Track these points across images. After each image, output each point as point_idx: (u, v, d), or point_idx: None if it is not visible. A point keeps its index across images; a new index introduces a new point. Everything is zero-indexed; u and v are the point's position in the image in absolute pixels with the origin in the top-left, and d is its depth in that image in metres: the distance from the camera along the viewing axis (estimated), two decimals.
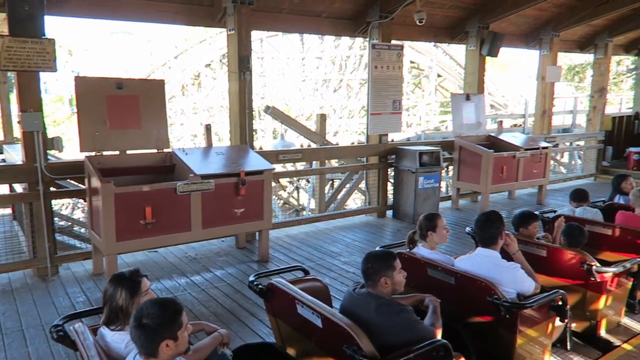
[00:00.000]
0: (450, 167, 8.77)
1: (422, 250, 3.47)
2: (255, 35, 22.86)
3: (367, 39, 7.17)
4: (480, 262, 3.21)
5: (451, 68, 25.14)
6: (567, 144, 11.83)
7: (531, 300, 2.94)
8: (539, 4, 7.79)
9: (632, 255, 4.01)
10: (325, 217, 7.57)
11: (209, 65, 24.83)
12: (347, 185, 11.80)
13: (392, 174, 7.70)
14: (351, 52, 25.02)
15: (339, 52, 25.27)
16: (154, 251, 5.86)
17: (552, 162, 13.54)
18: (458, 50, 23.48)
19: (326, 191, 12.60)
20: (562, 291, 3.08)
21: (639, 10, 9.59)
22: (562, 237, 3.93)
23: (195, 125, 23.19)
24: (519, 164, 8.03)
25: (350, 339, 2.26)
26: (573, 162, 14.59)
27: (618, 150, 12.01)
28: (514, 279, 3.09)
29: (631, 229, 4.39)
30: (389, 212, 7.77)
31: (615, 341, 3.80)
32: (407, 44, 22.19)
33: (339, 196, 11.90)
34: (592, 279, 3.55)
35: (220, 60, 23.52)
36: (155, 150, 5.33)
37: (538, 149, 8.28)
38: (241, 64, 5.81)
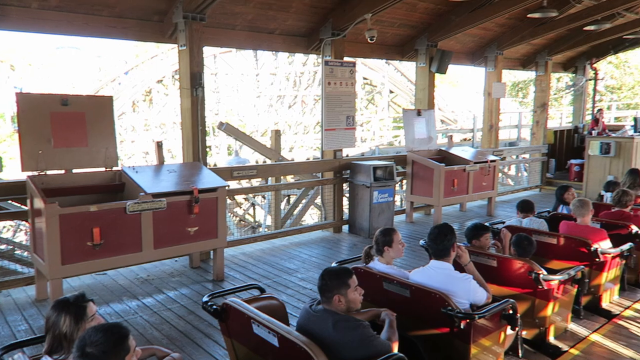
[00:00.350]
0: (404, 181, 8.94)
1: (378, 265, 3.48)
2: (209, 51, 22.69)
3: (320, 56, 7.26)
4: (434, 274, 3.26)
5: (403, 84, 25.82)
6: (514, 157, 12.32)
7: (484, 310, 3.01)
8: (483, 23, 8.15)
9: (575, 263, 4.21)
10: (281, 233, 7.52)
11: (161, 81, 24.42)
12: (303, 201, 11.80)
13: (348, 188, 7.77)
14: (305, 68, 25.27)
15: (293, 68, 25.47)
16: (103, 274, 5.62)
17: (500, 174, 14.08)
18: (409, 67, 24.17)
19: (282, 207, 12.55)
20: (512, 300, 3.17)
21: (574, 30, 10.21)
22: (513, 248, 4.06)
23: (147, 143, 22.67)
24: (469, 177, 8.29)
25: (307, 358, 2.24)
26: (520, 175, 15.21)
27: (560, 162, 12.63)
28: (467, 290, 3.16)
29: (574, 238, 4.59)
30: (345, 227, 7.80)
31: (564, 346, 3.93)
32: (359, 60, 22.67)
33: (295, 212, 11.88)
34: (540, 287, 3.68)
35: (173, 76, 23.22)
36: (104, 169, 5.15)
37: (486, 162, 8.58)
38: (193, 80, 5.74)
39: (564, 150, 12.87)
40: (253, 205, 17.93)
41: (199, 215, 5.14)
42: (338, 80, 7.19)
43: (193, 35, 5.65)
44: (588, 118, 13.34)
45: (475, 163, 8.37)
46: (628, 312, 4.64)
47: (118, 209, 4.60)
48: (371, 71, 25.62)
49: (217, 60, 24.40)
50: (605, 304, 4.72)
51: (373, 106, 27.89)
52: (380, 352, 2.44)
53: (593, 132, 11.42)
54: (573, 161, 11.86)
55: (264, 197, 14.95)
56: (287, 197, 14.31)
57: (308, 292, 5.18)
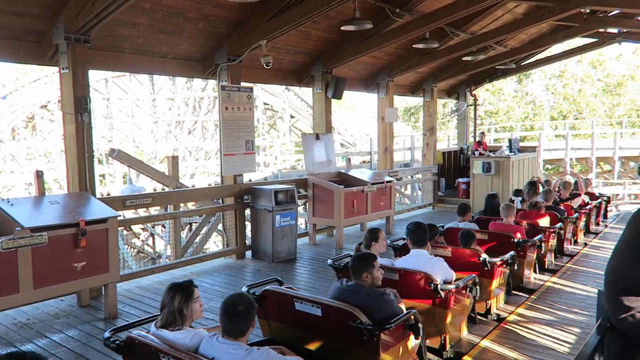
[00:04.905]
0: (307, 204, 9.05)
1: None
2: (99, 75, 21.53)
3: (217, 81, 7.18)
4: (414, 259, 4.19)
5: (303, 109, 26.36)
6: (409, 177, 13.03)
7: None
8: (373, 52, 8.63)
9: (507, 251, 5.06)
10: (181, 263, 7.20)
11: (46, 106, 22.64)
12: (205, 228, 11.44)
13: (250, 214, 7.68)
14: (204, 93, 24.89)
15: (192, 93, 24.97)
16: None
17: (397, 194, 14.78)
18: (308, 93, 24.77)
19: (185, 236, 12.07)
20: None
21: (454, 60, 11.19)
22: (459, 240, 5.10)
23: (30, 173, 20.74)
24: (367, 197, 8.59)
25: (352, 317, 3.02)
26: (415, 194, 16.10)
27: (449, 181, 13.60)
28: (442, 269, 4.13)
29: (501, 233, 5.79)
30: (248, 253, 7.68)
31: (461, 351, 4.24)
32: (260, 86, 22.84)
33: (197, 240, 11.48)
34: (486, 268, 4.67)
35: (59, 101, 21.60)
36: None
37: (383, 183, 8.97)
38: (78, 105, 5.37)
39: (452, 170, 13.89)
40: (152, 235, 17.04)
41: (87, 249, 4.77)
42: (236, 105, 7.15)
43: (76, 57, 5.30)
44: (471, 140, 14.55)
45: (373, 184, 8.71)
46: (512, 317, 5.06)
47: None
48: (272, 97, 25.91)
49: (109, 84, 23.21)
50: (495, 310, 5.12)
51: (275, 131, 28.13)
52: (398, 312, 3.32)
53: (476, 153, 12.47)
54: (460, 180, 12.81)
55: (164, 226, 14.28)
56: (189, 225, 13.80)
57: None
